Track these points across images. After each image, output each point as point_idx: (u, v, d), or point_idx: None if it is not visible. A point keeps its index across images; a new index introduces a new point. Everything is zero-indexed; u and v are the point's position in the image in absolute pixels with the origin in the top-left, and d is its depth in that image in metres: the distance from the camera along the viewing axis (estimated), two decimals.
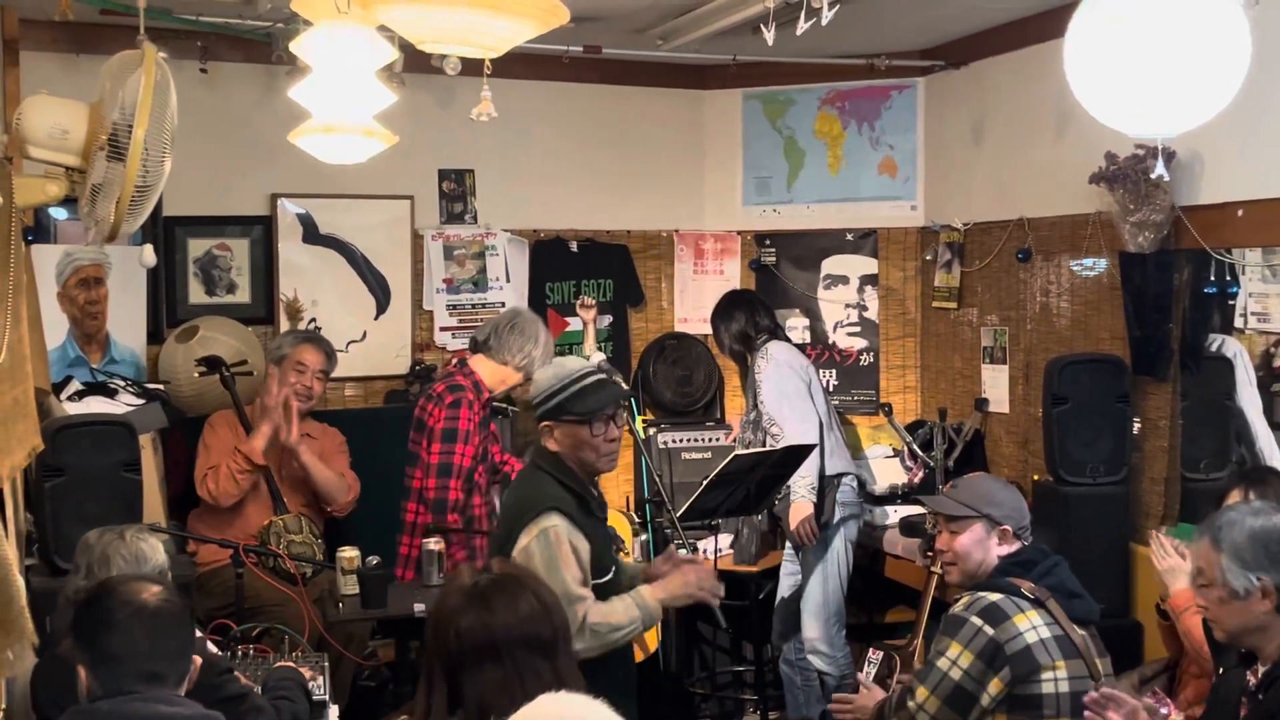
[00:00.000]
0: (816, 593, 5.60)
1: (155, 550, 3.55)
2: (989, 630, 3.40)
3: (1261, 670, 3.03)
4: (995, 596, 3.47)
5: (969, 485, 3.84)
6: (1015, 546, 3.65)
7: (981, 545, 3.65)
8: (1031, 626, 3.41)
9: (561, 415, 3.67)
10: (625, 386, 4.83)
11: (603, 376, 3.74)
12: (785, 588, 5.77)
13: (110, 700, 2.58)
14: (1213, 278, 4.92)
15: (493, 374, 5.19)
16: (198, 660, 2.83)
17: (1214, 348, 5.08)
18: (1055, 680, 3.39)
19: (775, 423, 5.51)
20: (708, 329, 6.97)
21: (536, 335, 5.23)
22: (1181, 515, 5.15)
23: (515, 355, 5.18)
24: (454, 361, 5.47)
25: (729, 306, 5.89)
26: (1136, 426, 5.28)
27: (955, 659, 3.42)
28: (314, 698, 3.81)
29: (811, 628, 5.60)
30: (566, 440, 3.68)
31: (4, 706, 3.18)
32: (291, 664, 3.92)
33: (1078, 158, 5.23)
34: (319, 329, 6.21)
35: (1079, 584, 3.62)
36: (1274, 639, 3.01)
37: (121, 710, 2.55)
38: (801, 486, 5.39)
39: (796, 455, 5.19)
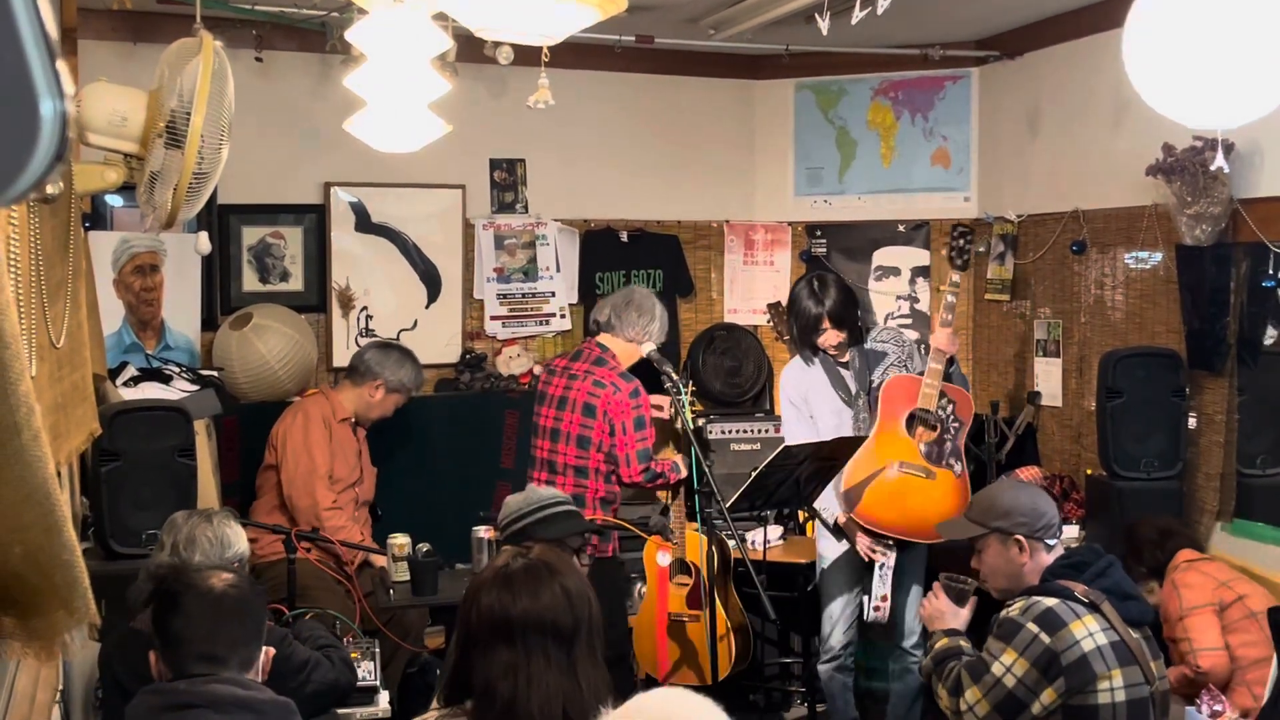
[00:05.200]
0: (918, 594, 5.31)
1: (238, 537, 3.61)
2: (1045, 638, 3.30)
3: None
4: (1051, 601, 3.36)
5: (979, 500, 3.77)
6: (1040, 550, 3.54)
7: (1003, 557, 3.56)
8: (1088, 633, 3.30)
9: (524, 540, 3.58)
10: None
11: (572, 507, 3.71)
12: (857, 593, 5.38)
13: (189, 680, 2.62)
14: (1271, 271, 4.86)
15: (623, 350, 5.36)
16: (269, 651, 2.86)
17: (1268, 341, 5.03)
18: (1111, 690, 3.27)
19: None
20: (757, 320, 6.99)
21: (652, 310, 5.39)
22: (1237, 511, 5.10)
23: (635, 329, 5.33)
24: (592, 343, 5.46)
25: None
26: (1192, 421, 5.22)
27: (1010, 666, 3.33)
28: (363, 684, 3.87)
29: (915, 626, 5.31)
30: None
31: (60, 688, 3.22)
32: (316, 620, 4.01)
33: (1134, 149, 5.18)
34: (370, 317, 6.25)
35: (1133, 584, 3.54)
36: None
37: (200, 690, 2.59)
38: None
39: (848, 447, 5.14)
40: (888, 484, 4.93)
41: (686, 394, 5.53)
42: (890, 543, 5.05)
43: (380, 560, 5.13)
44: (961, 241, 5.35)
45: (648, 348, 5.33)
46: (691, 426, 5.27)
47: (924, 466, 4.98)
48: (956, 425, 4.99)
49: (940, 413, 4.97)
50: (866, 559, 5.12)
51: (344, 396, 5.54)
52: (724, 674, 5.34)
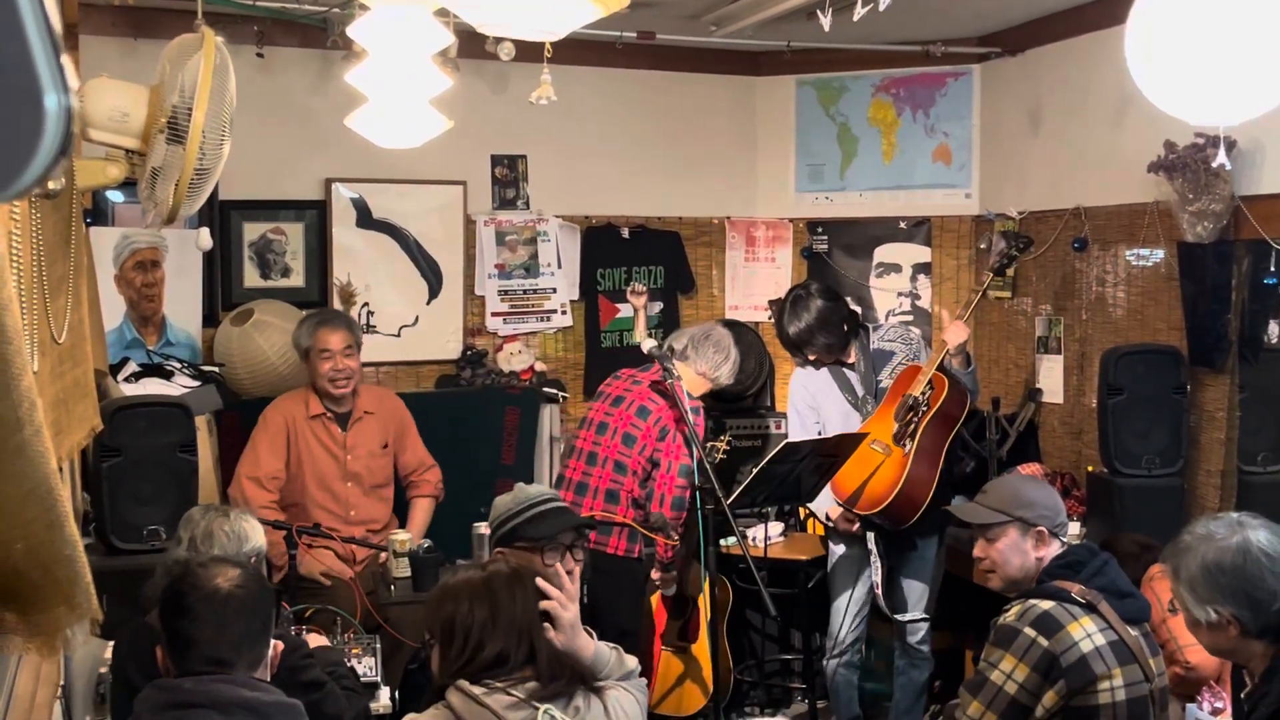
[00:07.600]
0: (932, 585, 5.39)
1: (255, 531, 3.61)
2: (1043, 642, 3.28)
3: (1249, 686, 2.99)
4: (1047, 604, 3.34)
5: (998, 488, 3.75)
6: (1053, 546, 3.54)
7: (1018, 549, 3.54)
8: (1086, 635, 3.28)
9: (515, 540, 3.59)
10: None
11: (562, 504, 3.69)
12: (867, 589, 5.42)
13: (195, 679, 2.61)
14: (1273, 268, 4.85)
15: (690, 380, 5.33)
16: (278, 645, 2.85)
17: (1272, 338, 5.02)
18: (1112, 689, 3.25)
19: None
20: (759, 316, 6.99)
21: (728, 350, 5.39)
22: (1238, 508, 5.08)
23: (707, 364, 5.33)
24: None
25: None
26: (1193, 418, 5.22)
27: (1010, 672, 3.30)
28: (364, 679, 3.86)
29: (920, 623, 5.35)
30: None
31: (62, 683, 3.22)
32: (330, 645, 3.97)
33: (1136, 146, 5.18)
34: (371, 313, 6.25)
35: (1129, 582, 3.53)
36: (1253, 659, 2.94)
37: (205, 689, 2.58)
38: None
39: (850, 443, 5.14)
40: (854, 456, 4.98)
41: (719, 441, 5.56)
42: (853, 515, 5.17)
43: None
44: (1013, 250, 5.43)
45: (707, 386, 5.33)
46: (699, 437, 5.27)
47: (887, 444, 5.06)
48: (925, 408, 5.01)
49: (921, 396, 5.01)
50: (841, 528, 5.24)
51: None
52: (692, 710, 5.48)
